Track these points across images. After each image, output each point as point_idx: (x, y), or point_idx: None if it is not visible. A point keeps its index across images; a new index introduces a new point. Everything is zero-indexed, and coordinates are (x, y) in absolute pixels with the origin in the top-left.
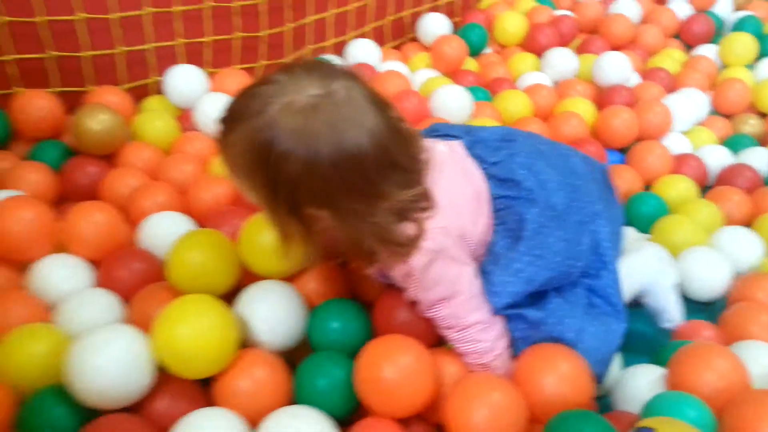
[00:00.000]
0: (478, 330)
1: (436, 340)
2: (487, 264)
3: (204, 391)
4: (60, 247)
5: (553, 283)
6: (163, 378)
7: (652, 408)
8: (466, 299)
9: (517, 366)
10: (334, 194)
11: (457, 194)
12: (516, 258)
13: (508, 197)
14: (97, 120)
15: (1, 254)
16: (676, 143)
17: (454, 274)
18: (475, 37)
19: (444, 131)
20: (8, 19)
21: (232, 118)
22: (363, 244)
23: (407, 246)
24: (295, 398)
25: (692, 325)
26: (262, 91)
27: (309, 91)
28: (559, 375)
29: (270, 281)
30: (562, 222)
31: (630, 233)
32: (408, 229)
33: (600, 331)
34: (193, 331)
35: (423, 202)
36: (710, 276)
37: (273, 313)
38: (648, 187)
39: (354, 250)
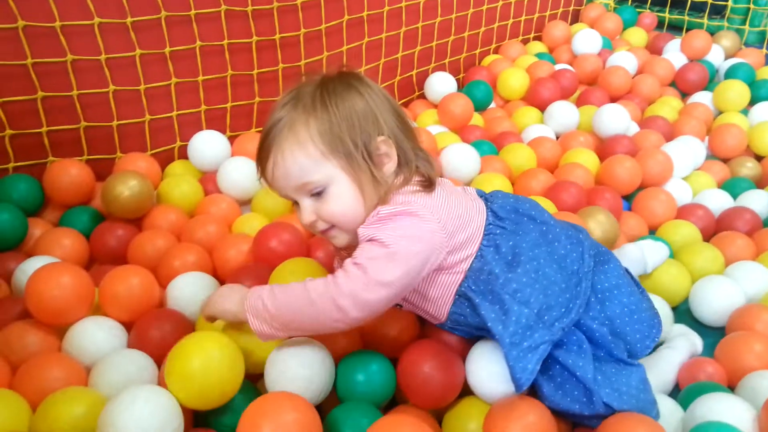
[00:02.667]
0: (358, 275)
1: (453, 397)
2: (484, 283)
3: None
4: (95, 310)
5: (552, 313)
6: None
7: None
8: (385, 253)
9: None
10: (387, 118)
11: (450, 199)
12: (513, 279)
13: (504, 228)
14: (128, 186)
15: (40, 318)
16: (676, 189)
17: (401, 235)
18: (480, 93)
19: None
20: (43, 94)
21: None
22: (409, 164)
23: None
24: None
25: (696, 363)
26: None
27: None
28: None
29: (299, 339)
30: (561, 261)
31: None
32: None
33: (615, 374)
34: (203, 364)
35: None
36: (721, 303)
37: (302, 370)
38: (653, 232)
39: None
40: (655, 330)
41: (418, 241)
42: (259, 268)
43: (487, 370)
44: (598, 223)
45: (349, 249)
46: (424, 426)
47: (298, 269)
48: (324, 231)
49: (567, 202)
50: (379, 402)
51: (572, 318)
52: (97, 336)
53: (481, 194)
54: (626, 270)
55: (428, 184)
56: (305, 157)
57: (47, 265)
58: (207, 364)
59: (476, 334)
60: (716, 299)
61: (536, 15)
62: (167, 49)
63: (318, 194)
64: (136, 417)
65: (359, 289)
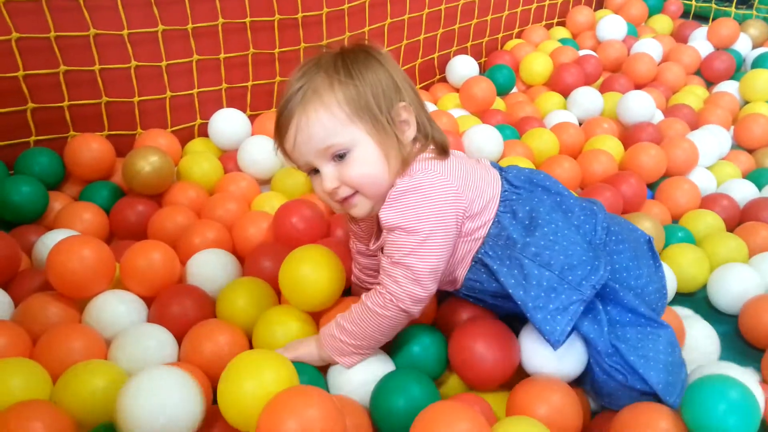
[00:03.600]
0: (403, 274)
1: (508, 377)
2: (502, 248)
3: None
4: (116, 284)
5: (576, 272)
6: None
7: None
8: (416, 242)
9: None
10: (405, 86)
11: (466, 167)
12: (532, 242)
13: (519, 195)
14: (148, 161)
15: (62, 290)
16: (700, 178)
17: (425, 215)
18: (503, 77)
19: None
20: (66, 68)
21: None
22: (425, 132)
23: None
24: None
25: None
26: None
27: None
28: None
29: None
30: (577, 228)
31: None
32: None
33: (641, 340)
34: (258, 387)
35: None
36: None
37: (365, 376)
38: (676, 222)
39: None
40: (656, 313)
41: (441, 215)
42: (278, 245)
43: (543, 348)
44: (644, 231)
45: (365, 222)
46: (477, 413)
47: (307, 257)
48: (346, 198)
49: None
50: (433, 375)
51: (601, 275)
52: (117, 309)
53: (495, 165)
54: (649, 241)
55: (443, 151)
56: (330, 118)
57: (69, 238)
58: (261, 387)
59: (491, 302)
60: (734, 286)
61: (560, 0)
62: (190, 26)
63: (341, 157)
64: (161, 400)
65: (413, 288)
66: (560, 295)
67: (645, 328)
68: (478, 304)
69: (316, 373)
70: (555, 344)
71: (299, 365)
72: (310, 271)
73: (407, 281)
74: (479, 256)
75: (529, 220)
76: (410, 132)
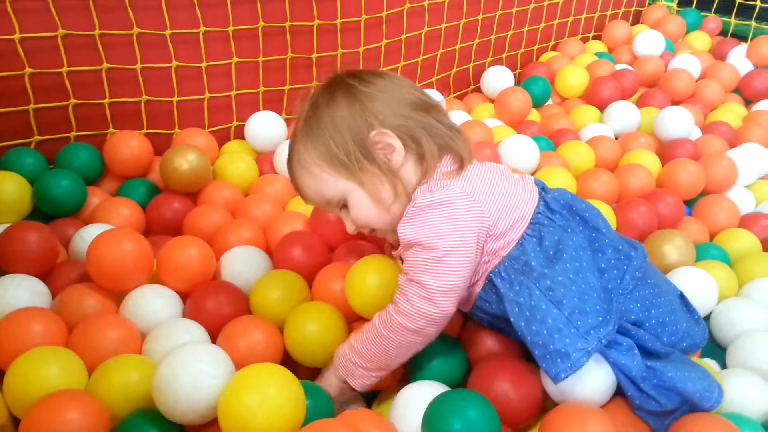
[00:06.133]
0: (417, 293)
1: (533, 416)
2: (516, 272)
3: None
4: (152, 279)
5: (587, 320)
6: None
7: None
8: (433, 259)
9: None
10: (388, 108)
11: (497, 182)
12: (549, 275)
13: (552, 221)
14: (186, 159)
15: (100, 282)
16: (739, 197)
17: (443, 232)
18: (538, 89)
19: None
20: (108, 65)
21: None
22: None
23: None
24: None
25: None
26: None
27: None
28: None
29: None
30: (600, 273)
31: None
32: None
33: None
34: (260, 401)
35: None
36: None
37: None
38: (712, 239)
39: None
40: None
41: (461, 232)
42: (307, 234)
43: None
44: (675, 248)
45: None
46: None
47: (373, 267)
48: (370, 233)
49: (636, 221)
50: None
51: (609, 330)
52: (154, 303)
53: (539, 184)
54: (681, 296)
55: (462, 160)
56: (314, 180)
57: (110, 231)
58: (264, 403)
59: (496, 325)
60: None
61: (597, 14)
62: (230, 28)
63: (345, 206)
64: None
65: (425, 307)
66: (564, 339)
67: (657, 360)
68: (490, 327)
69: (324, 395)
70: (554, 380)
71: (306, 384)
72: (376, 280)
73: (419, 299)
74: (491, 275)
75: (554, 251)
76: (396, 155)
